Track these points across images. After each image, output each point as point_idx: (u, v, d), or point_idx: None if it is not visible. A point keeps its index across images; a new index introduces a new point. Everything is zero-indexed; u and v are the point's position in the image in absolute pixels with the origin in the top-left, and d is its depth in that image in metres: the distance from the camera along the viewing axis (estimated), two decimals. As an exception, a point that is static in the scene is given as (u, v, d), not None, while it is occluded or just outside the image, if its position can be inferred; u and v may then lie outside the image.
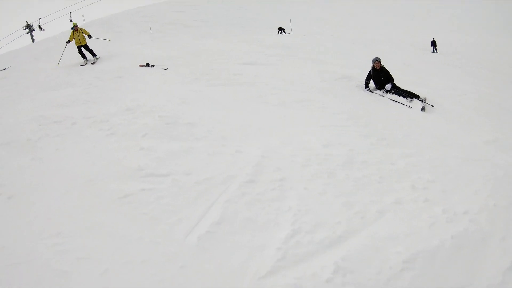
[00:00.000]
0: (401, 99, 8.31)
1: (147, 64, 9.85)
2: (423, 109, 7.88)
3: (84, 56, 11.98)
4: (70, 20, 26.98)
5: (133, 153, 4.29)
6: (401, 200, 3.62)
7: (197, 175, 3.80)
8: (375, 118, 6.60)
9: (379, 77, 8.79)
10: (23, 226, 3.20)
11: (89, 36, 11.86)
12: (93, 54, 11.93)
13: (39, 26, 28.01)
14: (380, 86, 8.85)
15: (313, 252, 2.80)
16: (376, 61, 8.83)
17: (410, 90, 8.58)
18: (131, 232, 3.03)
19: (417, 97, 8.37)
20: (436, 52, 26.17)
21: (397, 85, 8.78)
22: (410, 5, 47.52)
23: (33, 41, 28.57)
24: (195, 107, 6.15)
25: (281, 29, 28.62)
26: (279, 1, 38.04)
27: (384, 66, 8.90)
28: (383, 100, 8.23)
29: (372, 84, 9.02)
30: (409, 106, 7.93)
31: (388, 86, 8.65)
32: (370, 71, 8.89)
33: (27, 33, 29.91)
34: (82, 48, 11.93)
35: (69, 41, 12.33)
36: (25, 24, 29.61)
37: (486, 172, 4.61)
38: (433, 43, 26.80)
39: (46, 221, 3.23)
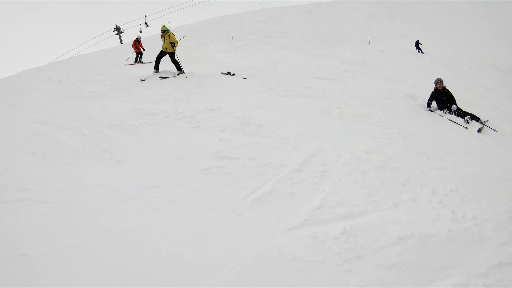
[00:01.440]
0: (459, 120, 9.06)
1: (228, 73, 11.41)
2: (479, 130, 8.47)
3: (157, 68, 11.50)
4: (146, 25, 29.78)
5: (214, 141, 5.75)
6: (417, 199, 4.64)
7: (259, 161, 5.16)
8: (425, 134, 7.44)
9: (441, 97, 9.54)
10: (129, 179, 4.77)
11: (174, 44, 11.08)
12: (179, 68, 11.28)
13: (145, 23, 30.78)
14: (441, 106, 9.57)
15: (330, 219, 3.99)
16: (439, 81, 9.64)
17: (472, 113, 9.17)
18: (206, 190, 4.46)
19: (477, 119, 8.94)
20: None
21: (459, 107, 9.38)
22: (505, 21, 45.93)
23: (121, 42, 31.85)
24: (266, 112, 7.48)
25: (418, 45, 28.93)
26: (361, 17, 38.70)
27: (447, 87, 9.68)
28: (440, 119, 9.00)
29: (434, 104, 9.87)
30: (466, 127, 8.65)
31: (454, 107, 9.30)
32: (432, 92, 9.76)
33: (116, 34, 33.52)
34: (163, 57, 11.48)
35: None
36: (114, 26, 33.25)
37: (503, 181, 5.51)
38: None
39: (147, 178, 4.77)
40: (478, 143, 7.65)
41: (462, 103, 9.68)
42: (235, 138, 5.93)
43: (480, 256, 3.81)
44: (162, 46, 11.36)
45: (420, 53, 27.09)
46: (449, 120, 8.96)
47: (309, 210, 4.11)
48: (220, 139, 5.82)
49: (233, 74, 11.23)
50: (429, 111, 9.56)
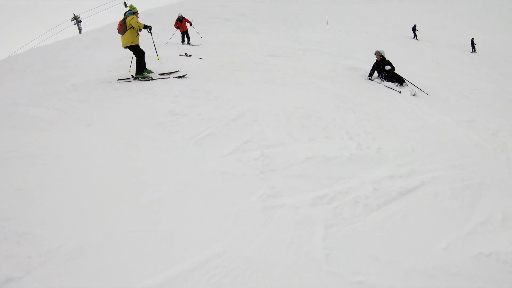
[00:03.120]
0: (393, 85, 10.54)
1: (186, 54, 12.72)
2: (414, 94, 10.05)
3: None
4: (125, 5, 30.38)
5: (168, 104, 7.08)
6: (331, 137, 6.16)
7: (204, 115, 6.55)
8: (357, 97, 8.90)
9: (380, 67, 11.08)
10: (99, 135, 6.07)
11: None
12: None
13: (125, 2, 31.07)
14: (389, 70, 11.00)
15: (254, 149, 5.43)
16: (377, 54, 11.13)
17: (404, 79, 10.69)
18: (160, 137, 5.78)
19: (402, 81, 10.58)
20: (475, 52, 27.59)
21: (397, 73, 10.83)
22: (462, 5, 48.49)
23: (80, 32, 32.34)
24: (216, 83, 8.86)
25: (415, 31, 30.04)
26: (321, 1, 40.14)
27: (387, 59, 11.10)
28: (377, 86, 10.51)
29: (376, 74, 11.46)
30: (400, 92, 10.23)
31: (387, 67, 10.80)
32: (374, 63, 11.33)
33: (74, 24, 33.96)
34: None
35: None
36: (72, 16, 33.69)
37: (421, 129, 7.15)
38: (472, 43, 28.22)
39: (114, 134, 5.97)
40: (409, 103, 9.13)
41: (412, 75, 11.21)
42: (185, 101, 7.28)
43: (376, 171, 5.25)
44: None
45: (416, 39, 28.84)
46: (386, 86, 10.54)
47: (238, 144, 5.52)
48: (173, 102, 7.16)
49: (190, 55, 12.50)
50: (369, 80, 11.13)
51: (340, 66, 12.41)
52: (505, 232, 4.33)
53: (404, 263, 3.62)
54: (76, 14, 33.61)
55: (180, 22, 17.76)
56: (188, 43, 17.04)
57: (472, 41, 28.40)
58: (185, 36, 17.51)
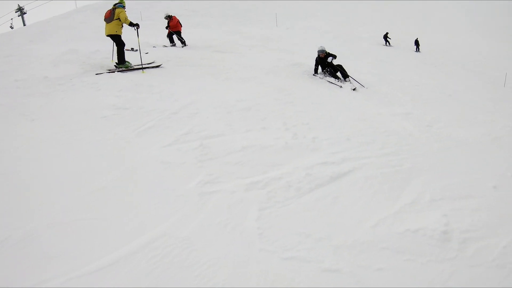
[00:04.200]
0: (335, 80, 10.96)
1: (132, 49, 12.78)
2: (355, 89, 10.48)
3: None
4: None
5: (111, 98, 7.22)
6: (268, 128, 6.47)
7: (146, 108, 6.76)
8: (299, 91, 9.29)
9: (324, 63, 11.48)
10: (44, 130, 6.16)
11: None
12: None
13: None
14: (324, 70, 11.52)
15: (193, 139, 5.71)
16: (321, 52, 11.50)
17: (348, 74, 11.17)
18: (103, 130, 5.93)
19: (346, 75, 11.07)
20: (419, 51, 29.01)
21: (345, 70, 11.29)
22: (411, 5, 50.46)
23: (24, 24, 31.13)
24: (159, 77, 9.06)
25: (387, 38, 30.67)
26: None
27: (327, 56, 11.43)
28: (320, 81, 10.93)
29: (320, 69, 11.88)
30: (341, 86, 10.71)
31: (330, 59, 11.24)
32: (316, 59, 11.61)
33: (19, 16, 32.70)
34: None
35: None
36: (17, 7, 32.46)
37: (357, 120, 7.64)
38: (416, 43, 29.64)
39: (59, 128, 6.03)
40: (348, 97, 9.58)
41: (355, 71, 11.68)
42: (129, 95, 7.45)
43: (310, 159, 5.60)
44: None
45: (388, 45, 29.70)
46: (328, 81, 11.03)
47: (178, 135, 5.79)
48: (117, 96, 7.30)
49: (136, 50, 12.59)
50: (313, 76, 11.55)
51: (285, 61, 12.82)
52: (432, 211, 4.72)
53: (334, 239, 3.94)
54: (21, 6, 32.45)
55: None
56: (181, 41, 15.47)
57: (416, 41, 29.78)
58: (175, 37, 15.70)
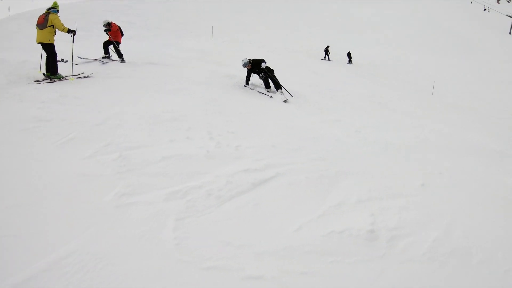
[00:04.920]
0: (264, 90, 11.05)
1: (62, 60, 12.22)
2: (286, 101, 10.50)
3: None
4: None
5: (33, 110, 6.75)
6: (193, 138, 6.31)
7: (69, 120, 6.40)
8: (229, 101, 9.23)
9: (255, 71, 11.38)
10: None
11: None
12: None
13: None
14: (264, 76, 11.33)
15: (113, 151, 5.45)
16: (245, 65, 11.40)
17: (280, 84, 11.15)
18: (24, 143, 5.55)
19: (279, 86, 11.07)
20: (351, 63, 30.14)
21: (278, 81, 11.25)
22: (350, 20, 52.36)
23: None
24: (87, 89, 8.71)
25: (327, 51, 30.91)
26: (210, 9, 40.77)
27: (254, 63, 11.37)
28: (250, 92, 10.99)
29: (251, 81, 11.72)
30: (271, 96, 10.77)
31: (263, 64, 11.17)
32: (247, 71, 11.56)
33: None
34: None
35: None
36: None
37: (285, 128, 7.69)
38: (349, 55, 30.76)
39: None
40: (278, 107, 9.67)
41: (289, 83, 11.70)
42: (52, 106, 7.05)
43: (232, 166, 5.48)
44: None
45: (327, 60, 30.17)
46: (258, 92, 11.06)
47: (99, 147, 5.52)
48: (39, 108, 6.89)
49: (66, 61, 12.08)
50: (244, 87, 11.48)
51: (218, 73, 12.76)
52: (358, 211, 4.76)
53: (255, 246, 3.85)
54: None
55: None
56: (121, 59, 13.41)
57: (348, 53, 30.86)
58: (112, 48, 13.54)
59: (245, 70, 11.68)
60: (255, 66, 11.45)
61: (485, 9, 74.10)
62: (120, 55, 13.25)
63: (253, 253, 3.75)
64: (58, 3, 9.75)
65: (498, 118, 22.35)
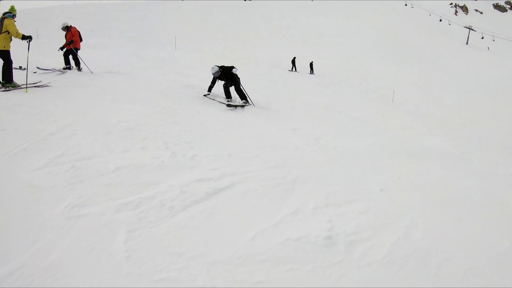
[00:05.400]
0: (223, 100, 10.89)
1: (20, 67, 11.79)
2: (243, 106, 10.51)
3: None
4: None
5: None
6: (148, 147, 6.20)
7: (21, 130, 6.21)
8: (184, 109, 9.12)
9: (222, 78, 11.17)
10: None
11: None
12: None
13: None
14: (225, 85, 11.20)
15: (66, 162, 5.33)
16: (215, 74, 11.08)
17: (246, 95, 11.10)
18: None
19: (244, 97, 10.99)
20: (313, 73, 30.67)
21: (243, 88, 11.16)
22: (311, 31, 53.29)
23: None
24: (43, 98, 8.40)
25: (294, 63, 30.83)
26: (174, 18, 40.51)
27: (223, 70, 11.13)
28: (209, 101, 10.73)
29: (212, 91, 11.47)
30: (230, 105, 10.62)
31: (234, 70, 10.98)
32: (213, 79, 11.27)
33: None
34: None
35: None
36: None
37: (243, 137, 7.68)
38: (311, 66, 31.28)
39: None
40: (237, 116, 9.57)
41: (251, 92, 11.61)
42: (5, 115, 6.80)
43: (187, 176, 5.41)
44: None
45: (294, 71, 30.30)
46: (218, 101, 10.92)
47: (51, 157, 5.35)
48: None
49: (24, 69, 11.67)
50: (204, 97, 11.25)
51: (178, 83, 12.60)
52: (316, 218, 4.74)
53: (208, 256, 3.79)
54: None
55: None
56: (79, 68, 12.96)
57: (311, 64, 31.34)
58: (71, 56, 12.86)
59: (211, 77, 11.45)
60: (224, 74, 11.23)
61: (440, 20, 77.64)
62: (77, 63, 12.81)
63: (205, 263, 3.70)
64: (16, 6, 9.28)
65: (457, 124, 23.36)
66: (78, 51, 12.99)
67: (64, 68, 12.50)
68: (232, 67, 11.21)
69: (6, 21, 8.76)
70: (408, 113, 22.07)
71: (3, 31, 8.76)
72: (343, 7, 69.53)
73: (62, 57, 12.84)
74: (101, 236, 3.92)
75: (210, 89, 11.46)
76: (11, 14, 8.97)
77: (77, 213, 4.24)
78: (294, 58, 31.85)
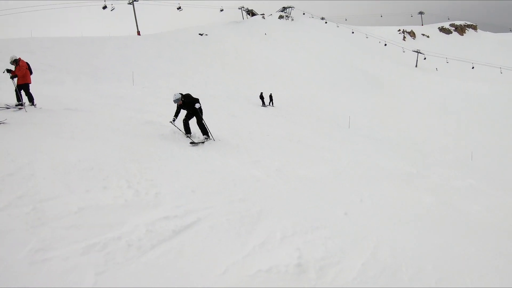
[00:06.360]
0: (182, 136, 10.91)
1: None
2: (203, 142, 10.66)
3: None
4: None
5: None
6: (109, 187, 6.05)
7: None
8: (143, 147, 9.05)
9: (188, 108, 11.20)
10: None
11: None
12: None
13: None
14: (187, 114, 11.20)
15: (25, 204, 5.14)
16: (176, 102, 11.11)
17: (208, 130, 11.19)
18: None
19: (206, 132, 11.09)
20: (272, 105, 31.39)
21: (204, 123, 11.19)
22: (266, 64, 54.55)
23: None
24: (0, 136, 8.11)
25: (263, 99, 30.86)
26: (131, 54, 40.45)
27: (188, 99, 11.20)
28: (168, 137, 10.78)
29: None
30: (190, 141, 10.55)
31: (197, 105, 11.01)
32: (177, 107, 11.20)
33: None
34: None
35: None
36: None
37: (204, 172, 7.76)
38: (270, 97, 32.06)
39: None
40: (197, 151, 9.79)
41: (213, 127, 11.83)
42: None
43: (152, 214, 5.33)
44: None
45: (269, 105, 30.72)
46: (179, 138, 10.94)
47: (11, 199, 5.11)
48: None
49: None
50: (169, 122, 11.33)
51: (137, 120, 12.54)
52: (284, 247, 4.83)
53: None
54: None
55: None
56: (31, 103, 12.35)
57: (270, 96, 32.02)
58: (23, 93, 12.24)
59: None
60: (186, 105, 11.22)
61: (385, 44, 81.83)
62: (30, 98, 12.23)
63: (176, 301, 3.59)
64: None
65: (412, 144, 24.42)
66: (30, 85, 12.44)
67: (16, 105, 11.87)
68: (197, 101, 11.25)
69: None
70: (364, 138, 22.99)
71: None
72: (290, 39, 71.86)
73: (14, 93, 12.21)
74: (67, 281, 3.80)
75: (176, 115, 11.28)
76: None
77: (41, 257, 4.09)
78: (261, 93, 32.39)
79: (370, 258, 4.83)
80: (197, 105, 11.17)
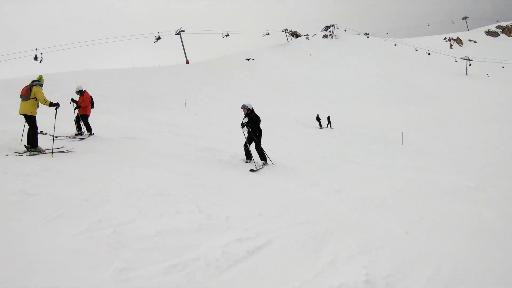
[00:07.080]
0: (241, 162, 11.12)
1: (41, 132, 11.81)
2: (262, 167, 10.81)
3: None
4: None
5: (18, 183, 6.68)
6: (181, 212, 6.31)
7: (56, 195, 6.36)
8: (204, 173, 9.37)
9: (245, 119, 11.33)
10: None
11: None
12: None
13: None
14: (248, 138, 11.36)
15: (107, 226, 5.48)
16: (243, 108, 11.48)
17: (266, 155, 11.33)
18: (10, 217, 5.40)
19: (264, 157, 11.25)
20: (331, 127, 31.58)
21: (262, 147, 11.33)
22: (308, 85, 54.84)
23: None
24: (69, 162, 8.66)
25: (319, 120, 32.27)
26: (180, 81, 41.83)
27: (253, 114, 11.52)
28: (227, 163, 11.02)
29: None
30: (251, 170, 10.69)
31: (245, 129, 11.20)
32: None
33: None
34: None
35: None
36: None
37: (267, 196, 8.02)
38: (328, 119, 32.29)
39: None
40: (256, 176, 10.02)
41: (268, 150, 11.95)
42: (37, 180, 6.90)
43: (225, 237, 5.57)
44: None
45: (328, 127, 31.88)
46: (236, 164, 11.20)
47: (90, 222, 5.44)
48: (24, 181, 6.79)
49: (46, 133, 11.99)
50: (220, 160, 11.42)
51: (193, 146, 12.95)
52: (351, 266, 4.97)
53: None
54: None
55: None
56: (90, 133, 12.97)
57: (328, 118, 32.35)
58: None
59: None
60: (251, 120, 11.40)
61: (429, 54, 79.94)
62: (88, 129, 12.99)
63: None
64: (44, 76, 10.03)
65: (467, 157, 23.62)
66: (89, 117, 13.21)
67: (76, 134, 12.79)
68: (259, 121, 11.45)
69: (34, 89, 9.46)
70: (417, 153, 22.53)
71: (31, 97, 9.38)
72: (335, 58, 71.83)
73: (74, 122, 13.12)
74: (154, 299, 3.92)
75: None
76: (39, 82, 9.74)
77: (125, 276, 4.28)
78: (318, 115, 32.58)
79: (434, 274, 4.92)
80: (245, 120, 11.37)
